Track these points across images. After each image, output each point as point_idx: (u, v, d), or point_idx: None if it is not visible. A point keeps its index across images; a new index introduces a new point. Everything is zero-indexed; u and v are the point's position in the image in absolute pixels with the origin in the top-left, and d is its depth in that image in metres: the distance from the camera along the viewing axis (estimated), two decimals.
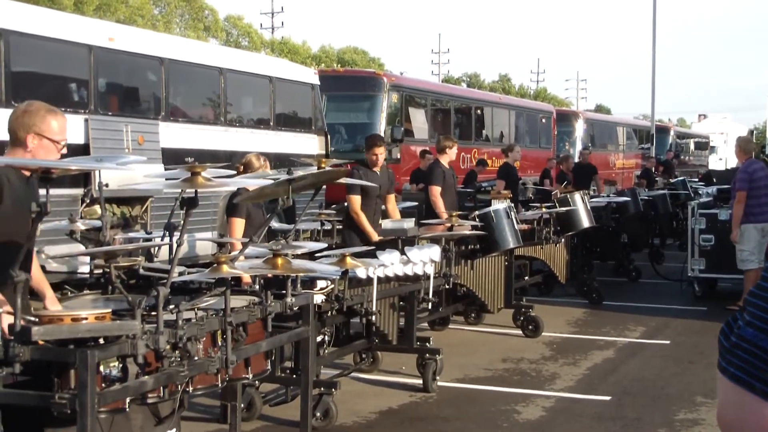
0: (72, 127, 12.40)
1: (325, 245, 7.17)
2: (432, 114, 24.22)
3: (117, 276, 4.47)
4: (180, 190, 4.67)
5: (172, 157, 12.97)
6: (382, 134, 20.46)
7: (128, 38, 14.16)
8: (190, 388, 4.59)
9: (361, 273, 7.26)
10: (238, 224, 7.94)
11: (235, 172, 6.70)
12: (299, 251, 6.02)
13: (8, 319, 4.05)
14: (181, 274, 5.03)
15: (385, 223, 9.99)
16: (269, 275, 5.52)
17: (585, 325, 11.84)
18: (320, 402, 6.84)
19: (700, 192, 17.95)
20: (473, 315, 11.60)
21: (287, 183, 4.94)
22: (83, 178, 12.28)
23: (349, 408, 7.51)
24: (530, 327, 10.89)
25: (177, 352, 4.36)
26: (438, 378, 8.37)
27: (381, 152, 9.81)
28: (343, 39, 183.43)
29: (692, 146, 49.84)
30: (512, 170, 16.05)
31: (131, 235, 8.38)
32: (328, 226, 10.01)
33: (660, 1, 51.18)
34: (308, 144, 17.78)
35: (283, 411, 7.19)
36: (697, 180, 23.73)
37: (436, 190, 11.45)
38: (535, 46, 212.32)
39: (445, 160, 11.73)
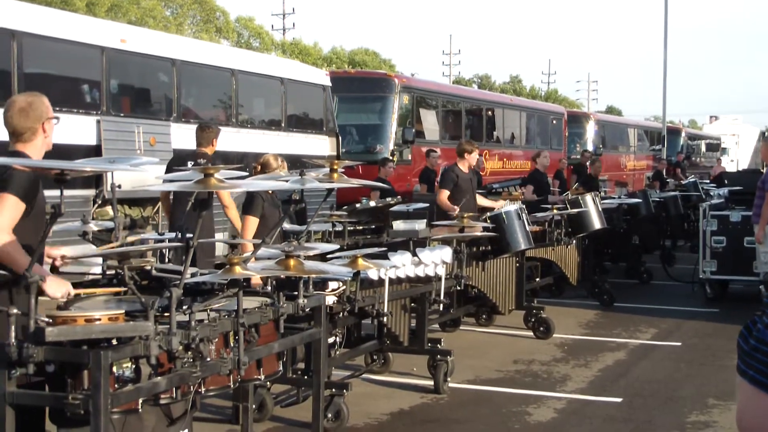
0: (84, 128, 12.53)
1: (337, 246, 7.17)
2: (443, 115, 24.22)
3: (130, 277, 4.47)
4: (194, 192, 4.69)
5: (183, 158, 13.00)
6: (393, 135, 20.47)
7: (140, 40, 14.22)
8: (203, 389, 4.60)
9: (373, 274, 7.27)
10: (252, 222, 7.98)
11: (247, 173, 6.72)
12: (311, 252, 6.03)
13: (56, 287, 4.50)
14: (193, 275, 5.04)
15: (397, 224, 10.00)
16: (281, 276, 5.53)
17: (596, 326, 11.83)
18: (332, 403, 6.84)
19: (712, 193, 17.90)
20: (484, 316, 11.60)
21: None
22: (95, 180, 12.33)
23: (360, 409, 7.51)
24: (541, 329, 10.88)
25: (189, 353, 4.37)
26: (449, 379, 8.37)
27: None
28: (354, 40, 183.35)
29: (703, 148, 49.72)
30: (542, 176, 15.88)
31: (143, 236, 8.40)
32: (339, 228, 10.02)
33: (671, 2, 51.10)
34: (319, 145, 17.82)
35: (295, 412, 7.20)
36: (708, 181, 23.65)
37: (442, 194, 11.40)
38: (546, 48, 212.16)
39: (463, 165, 11.62)
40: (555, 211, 11.80)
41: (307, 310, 5.59)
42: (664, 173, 25.39)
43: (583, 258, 12.71)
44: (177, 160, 10.33)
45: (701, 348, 10.43)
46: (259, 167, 8.17)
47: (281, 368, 5.58)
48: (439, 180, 11.92)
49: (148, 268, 5.09)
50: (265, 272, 5.04)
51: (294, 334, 5.71)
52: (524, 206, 10.75)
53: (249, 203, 8.11)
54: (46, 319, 4.04)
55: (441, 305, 8.71)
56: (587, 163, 20.45)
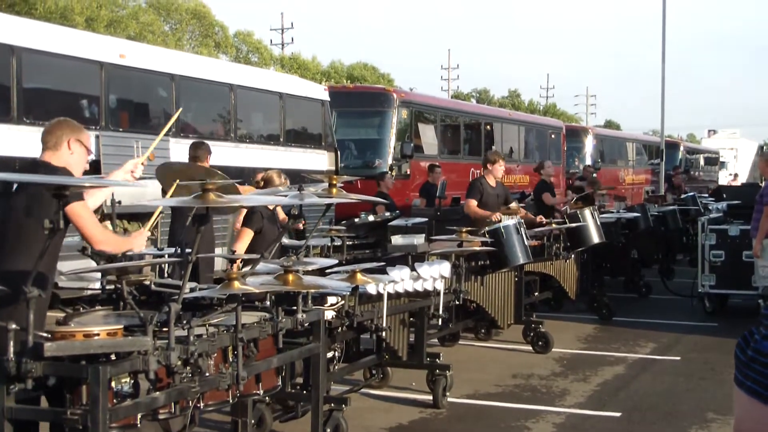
0: None
1: (336, 261, 7.18)
2: (441, 130, 24.25)
3: (129, 292, 4.48)
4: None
5: None
6: (392, 150, 20.49)
7: (139, 55, 14.25)
8: (201, 404, 4.60)
9: (372, 289, 7.27)
10: (247, 234, 8.06)
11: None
12: (310, 267, 6.04)
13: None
14: (192, 290, 5.05)
15: (395, 239, 10.01)
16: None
17: (595, 341, 11.82)
18: (330, 418, 6.83)
19: (710, 208, 17.89)
20: (483, 331, 11.58)
21: None
22: None
23: (359, 424, 7.50)
24: (540, 343, 10.87)
25: (188, 368, 4.37)
26: (448, 394, 8.36)
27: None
28: (352, 55, 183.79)
29: (702, 162, 49.76)
30: (549, 187, 15.59)
31: (142, 251, 8.41)
32: (338, 242, 10.02)
33: (669, 17, 51.22)
34: (318, 160, 17.83)
35: (294, 427, 7.20)
36: (707, 195, 23.65)
37: (470, 203, 11.32)
38: (544, 62, 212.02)
39: (489, 177, 11.54)
40: (554, 225, 11.81)
41: (306, 324, 5.59)
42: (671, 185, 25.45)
43: (582, 272, 12.70)
44: None
45: (700, 362, 10.42)
46: (262, 183, 8.21)
47: (280, 383, 5.58)
48: (467, 191, 11.76)
49: (147, 283, 5.10)
50: (264, 287, 5.04)
51: (293, 349, 5.71)
52: (522, 221, 10.74)
53: (248, 217, 8.22)
54: (45, 334, 4.05)
55: (440, 320, 8.72)
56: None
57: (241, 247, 7.99)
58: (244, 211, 10.85)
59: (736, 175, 51.12)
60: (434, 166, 18.80)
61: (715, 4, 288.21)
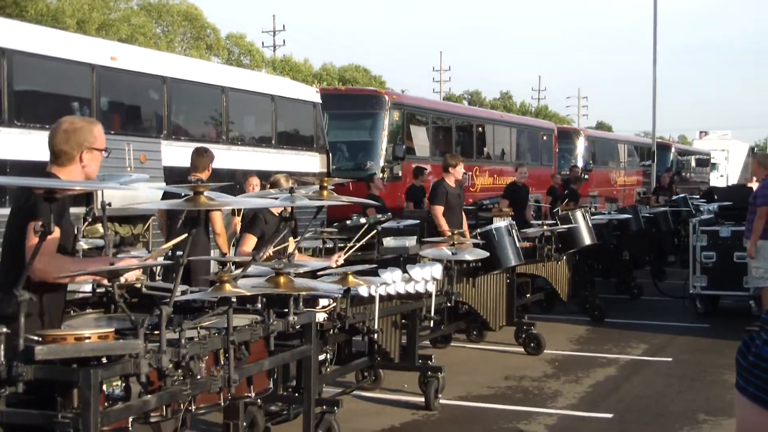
0: None
1: (327, 263, 7.18)
2: (433, 132, 24.25)
3: (120, 295, 4.47)
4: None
5: (174, 176, 13.00)
6: (384, 152, 20.48)
7: (130, 57, 14.22)
8: (193, 407, 4.59)
9: (363, 291, 7.27)
10: (249, 240, 8.04)
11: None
12: (301, 270, 6.03)
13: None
14: (183, 292, 5.03)
15: (387, 241, 10.01)
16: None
17: (587, 342, 11.83)
18: (322, 420, 6.82)
19: (702, 209, 17.93)
20: (475, 333, 11.59)
21: None
22: (85, 197, 12.30)
23: (351, 426, 7.50)
24: (532, 344, 10.88)
25: (180, 370, 4.36)
26: (440, 396, 8.37)
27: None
28: (344, 57, 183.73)
29: (693, 163, 49.84)
30: (520, 190, 15.91)
31: (133, 253, 8.40)
32: (330, 244, 10.01)
33: (661, 18, 51.17)
34: (310, 162, 17.83)
35: (286, 429, 7.19)
36: (698, 197, 23.69)
37: (437, 210, 11.45)
38: (536, 64, 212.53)
39: (449, 179, 11.70)
40: (545, 227, 11.83)
41: (298, 327, 5.59)
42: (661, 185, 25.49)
43: (574, 274, 12.71)
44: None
45: (692, 363, 10.44)
46: (269, 186, 8.22)
47: (272, 385, 5.57)
48: (430, 196, 11.92)
49: (139, 285, 5.09)
50: (256, 290, 5.04)
51: (285, 352, 5.70)
52: (514, 222, 10.76)
53: (250, 223, 8.27)
54: (36, 338, 4.04)
55: (432, 322, 8.72)
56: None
57: (245, 253, 7.97)
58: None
59: (753, 178, 51.28)
60: (421, 168, 18.80)
61: (707, 8, 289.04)
